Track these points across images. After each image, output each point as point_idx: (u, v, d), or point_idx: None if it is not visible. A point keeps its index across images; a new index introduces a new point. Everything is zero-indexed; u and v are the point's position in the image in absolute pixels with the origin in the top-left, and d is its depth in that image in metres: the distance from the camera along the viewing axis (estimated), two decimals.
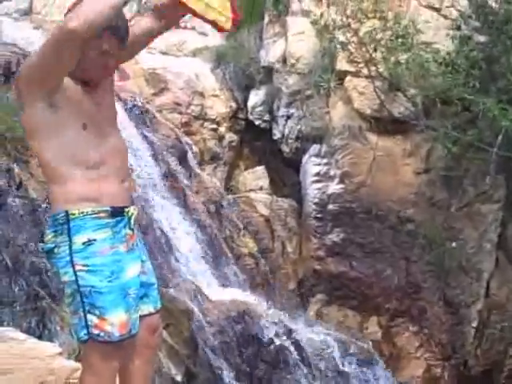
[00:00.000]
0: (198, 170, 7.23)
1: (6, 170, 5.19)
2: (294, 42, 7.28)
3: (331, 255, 7.14)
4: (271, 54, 7.49)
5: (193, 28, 8.31)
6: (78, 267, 2.35)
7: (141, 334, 2.54)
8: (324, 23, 6.86)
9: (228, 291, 6.42)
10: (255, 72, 7.69)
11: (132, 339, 2.46)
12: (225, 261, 6.76)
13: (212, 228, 6.84)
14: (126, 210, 2.47)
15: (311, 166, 7.21)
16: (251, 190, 7.44)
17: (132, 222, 2.47)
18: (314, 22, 6.99)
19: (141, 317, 2.54)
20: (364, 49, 6.66)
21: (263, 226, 7.25)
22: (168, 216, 6.45)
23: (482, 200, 6.93)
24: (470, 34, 6.57)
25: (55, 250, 2.39)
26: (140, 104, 7.08)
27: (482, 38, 6.50)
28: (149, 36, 2.68)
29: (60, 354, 3.39)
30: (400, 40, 6.51)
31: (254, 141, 7.90)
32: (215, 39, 8.18)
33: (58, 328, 4.54)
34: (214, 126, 7.63)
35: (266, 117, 7.68)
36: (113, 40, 2.34)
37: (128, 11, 7.96)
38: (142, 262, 2.53)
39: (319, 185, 7.13)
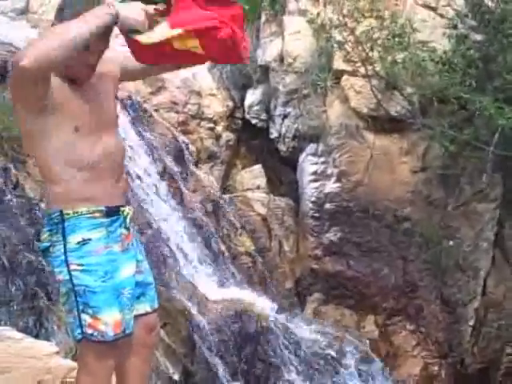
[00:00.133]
0: (195, 169, 7.22)
1: (2, 169, 5.19)
2: (290, 41, 7.28)
3: (328, 254, 7.15)
4: (268, 53, 7.49)
5: None
6: (72, 266, 2.36)
7: (138, 333, 2.55)
8: (321, 22, 6.87)
9: (225, 290, 6.43)
10: (252, 71, 7.69)
11: (127, 338, 2.46)
12: (222, 260, 6.76)
13: (209, 227, 6.84)
14: (122, 209, 2.47)
15: (308, 164, 7.22)
16: (248, 189, 7.44)
17: (127, 221, 2.47)
18: (311, 21, 7.00)
19: (137, 316, 2.54)
20: (361, 48, 6.67)
21: (260, 224, 7.26)
22: (165, 215, 6.45)
23: (478, 199, 6.94)
24: (466, 32, 6.58)
25: (51, 249, 2.40)
26: (137, 103, 7.07)
27: (478, 37, 6.52)
28: (145, 74, 2.77)
29: (57, 353, 3.40)
30: (397, 39, 6.52)
31: (251, 140, 7.90)
32: None
33: (55, 327, 4.54)
34: (211, 125, 7.63)
35: (263, 116, 7.68)
36: None
37: None
38: (138, 261, 2.53)
39: (316, 184, 7.13)
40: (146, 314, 2.59)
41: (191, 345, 5.42)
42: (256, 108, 7.71)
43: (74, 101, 2.33)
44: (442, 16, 6.90)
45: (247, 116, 7.76)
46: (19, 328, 4.13)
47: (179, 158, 7.09)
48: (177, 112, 7.49)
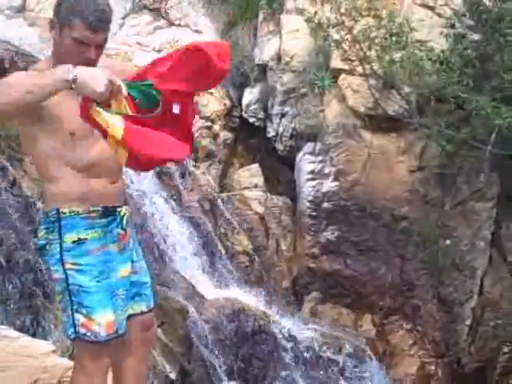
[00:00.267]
0: (193, 168, 7.22)
1: None
2: (288, 40, 7.28)
3: (325, 253, 7.15)
4: (265, 52, 7.48)
5: (186, 26, 8.30)
6: (67, 265, 2.36)
7: (134, 333, 2.55)
8: (318, 21, 6.87)
9: (222, 289, 6.43)
10: (249, 70, 7.68)
11: (121, 338, 2.46)
12: (219, 258, 6.76)
13: (206, 226, 6.84)
14: (118, 209, 2.47)
15: (306, 163, 7.22)
16: (246, 188, 7.43)
17: (124, 221, 2.47)
18: (309, 20, 7.00)
19: (133, 315, 2.54)
20: (358, 47, 6.67)
21: (258, 223, 7.25)
22: (162, 214, 6.45)
23: (475, 198, 6.95)
24: (463, 32, 6.58)
25: (47, 247, 2.41)
26: None
27: (475, 37, 6.52)
28: None
29: (54, 351, 3.40)
30: (394, 38, 6.52)
31: (249, 139, 7.89)
32: (209, 37, 8.17)
33: (52, 326, 4.54)
34: (209, 124, 7.62)
35: (261, 115, 7.67)
36: (81, 27, 2.26)
37: (122, 9, 7.95)
38: (133, 262, 2.53)
39: (314, 182, 7.13)
40: (142, 313, 2.58)
41: (188, 344, 5.42)
42: (253, 107, 7.71)
43: (69, 106, 2.30)
44: (439, 15, 6.90)
45: (245, 115, 7.76)
46: (16, 327, 4.13)
47: None
48: None
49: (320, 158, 7.12)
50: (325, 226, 7.12)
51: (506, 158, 6.41)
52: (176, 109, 2.23)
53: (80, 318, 2.36)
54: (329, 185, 7.08)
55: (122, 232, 2.46)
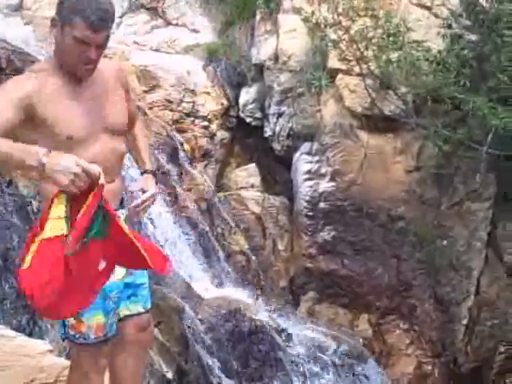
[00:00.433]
0: (189, 168, 7.21)
1: None
2: (285, 39, 7.28)
3: (322, 253, 7.16)
4: (263, 51, 7.48)
5: (184, 25, 8.30)
6: None
7: (130, 333, 2.55)
8: (315, 21, 6.87)
9: (219, 289, 6.42)
10: (246, 69, 7.69)
11: (114, 339, 2.45)
12: (216, 258, 6.76)
13: (203, 225, 6.84)
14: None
15: (302, 163, 7.22)
16: (242, 188, 7.43)
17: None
18: (306, 20, 7.00)
19: (130, 316, 2.54)
20: (355, 47, 6.67)
21: (254, 223, 7.26)
22: (158, 214, 6.44)
23: (472, 198, 6.96)
24: (460, 32, 6.59)
25: None
26: None
27: (472, 37, 6.53)
28: None
29: (50, 351, 3.39)
30: (391, 38, 6.53)
31: (246, 138, 7.89)
32: (207, 36, 8.18)
33: (49, 325, 4.53)
34: (206, 124, 7.62)
35: (258, 114, 7.68)
36: (82, 26, 2.23)
37: (119, 7, 7.94)
38: None
39: (310, 182, 7.14)
40: (139, 314, 2.58)
41: (185, 343, 5.41)
42: (250, 106, 7.71)
43: (66, 111, 2.29)
44: (436, 16, 6.91)
45: (242, 114, 7.76)
46: (13, 326, 4.12)
47: (174, 156, 7.08)
48: (171, 110, 7.48)
49: (317, 157, 7.12)
50: (321, 225, 7.13)
51: (503, 159, 6.42)
52: (102, 265, 2.16)
53: (70, 320, 2.35)
54: (325, 185, 7.08)
55: None
